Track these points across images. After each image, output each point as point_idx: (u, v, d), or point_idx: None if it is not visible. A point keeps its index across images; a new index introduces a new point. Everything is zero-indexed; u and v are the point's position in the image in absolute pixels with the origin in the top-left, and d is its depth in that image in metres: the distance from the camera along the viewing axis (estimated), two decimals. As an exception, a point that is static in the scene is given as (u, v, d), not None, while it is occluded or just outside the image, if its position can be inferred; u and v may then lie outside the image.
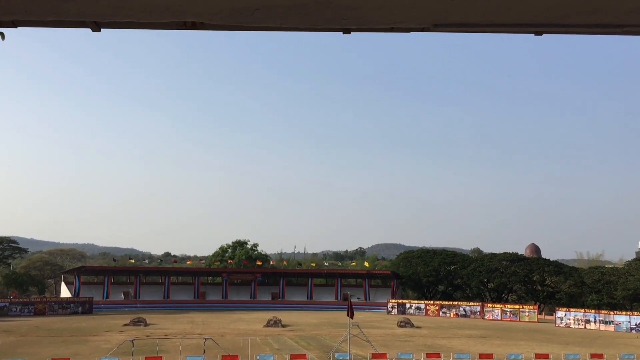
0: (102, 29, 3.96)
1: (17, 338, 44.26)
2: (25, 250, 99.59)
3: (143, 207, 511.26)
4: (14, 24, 3.78)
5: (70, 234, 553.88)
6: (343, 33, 4.11)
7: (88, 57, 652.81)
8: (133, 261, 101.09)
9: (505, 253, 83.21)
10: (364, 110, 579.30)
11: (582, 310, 65.25)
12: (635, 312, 63.01)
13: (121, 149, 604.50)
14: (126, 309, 74.36)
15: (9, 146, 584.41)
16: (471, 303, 75.47)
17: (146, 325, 55.29)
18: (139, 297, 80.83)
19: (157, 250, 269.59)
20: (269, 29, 4.00)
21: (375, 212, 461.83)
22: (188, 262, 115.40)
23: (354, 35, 4.09)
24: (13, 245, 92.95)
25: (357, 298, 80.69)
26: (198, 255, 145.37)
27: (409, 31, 4.06)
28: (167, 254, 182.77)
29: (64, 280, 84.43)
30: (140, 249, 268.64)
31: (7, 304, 67.12)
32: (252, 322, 60.57)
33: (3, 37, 3.83)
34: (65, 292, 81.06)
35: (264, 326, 55.61)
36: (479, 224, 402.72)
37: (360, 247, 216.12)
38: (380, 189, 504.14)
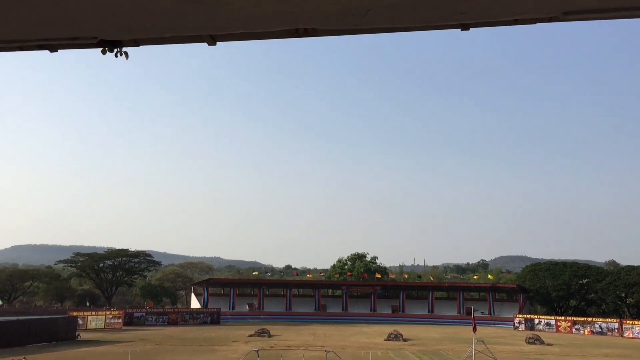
0: (217, 42, 4.02)
1: (153, 346, 47.12)
2: (159, 264, 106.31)
3: (264, 222, 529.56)
4: (136, 43, 3.93)
5: (198, 248, 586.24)
6: (461, 30, 3.86)
7: (206, 69, 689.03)
8: (257, 273, 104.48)
9: (646, 265, 76.42)
10: (481, 113, 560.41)
11: None
12: None
13: (240, 167, 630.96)
14: (251, 320, 76.84)
15: (146, 172, 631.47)
16: (608, 320, 69.93)
17: (270, 336, 56.69)
18: (263, 309, 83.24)
19: (279, 264, 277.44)
20: (381, 31, 3.85)
21: (498, 223, 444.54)
22: (308, 275, 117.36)
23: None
24: (148, 258, 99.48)
25: (481, 312, 77.73)
26: (318, 268, 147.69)
27: (534, 22, 3.73)
28: (288, 267, 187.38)
29: (193, 292, 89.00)
30: (262, 262, 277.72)
31: (144, 314, 71.82)
32: (372, 335, 60.18)
33: (127, 56, 3.99)
34: (195, 303, 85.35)
35: (385, 340, 54.98)
36: (614, 234, 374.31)
37: (482, 260, 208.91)
38: (502, 199, 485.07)
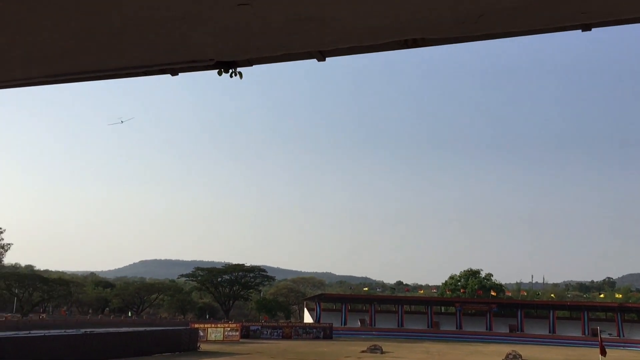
0: (326, 58, 4.07)
1: (268, 359, 48.27)
2: (273, 279, 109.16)
3: (375, 238, 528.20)
4: (249, 63, 4.07)
5: (310, 263, 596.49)
6: (582, 30, 3.63)
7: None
8: (367, 289, 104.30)
9: None
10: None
11: None
12: None
13: (345, 183, 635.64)
14: (362, 336, 76.61)
15: (259, 190, 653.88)
16: None
17: (382, 352, 56.14)
18: (374, 325, 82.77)
19: (389, 280, 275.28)
20: (494, 37, 3.70)
21: (626, 238, 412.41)
22: (420, 291, 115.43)
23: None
24: (263, 273, 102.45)
25: (609, 334, 72.33)
26: (430, 285, 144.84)
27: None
28: (399, 283, 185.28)
29: (306, 307, 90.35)
30: (373, 278, 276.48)
31: (260, 327, 73.88)
32: (489, 355, 57.81)
33: (241, 76, 4.13)
34: (307, 318, 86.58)
35: (503, 360, 52.64)
36: None
37: (608, 277, 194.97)
38: (631, 211, 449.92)
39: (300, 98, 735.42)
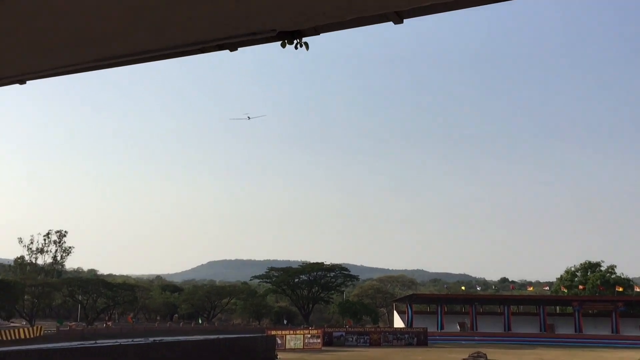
0: (404, 19, 4.00)
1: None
2: (356, 278, 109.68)
3: (473, 229, 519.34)
4: (316, 31, 4.07)
5: (399, 260, 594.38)
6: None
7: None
8: (464, 288, 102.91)
9: None
10: None
11: None
12: None
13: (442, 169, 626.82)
14: (462, 342, 75.66)
15: (335, 176, 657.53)
16: None
17: (487, 360, 55.36)
18: (476, 329, 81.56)
19: (492, 276, 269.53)
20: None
21: None
22: (529, 289, 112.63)
23: None
24: (345, 272, 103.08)
25: None
26: (540, 281, 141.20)
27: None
28: (504, 280, 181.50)
29: (395, 309, 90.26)
30: (473, 275, 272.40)
31: (344, 334, 74.52)
32: (616, 362, 55.80)
33: (307, 47, 4.14)
34: (398, 321, 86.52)
35: (633, 368, 50.65)
36: None
37: None
38: None
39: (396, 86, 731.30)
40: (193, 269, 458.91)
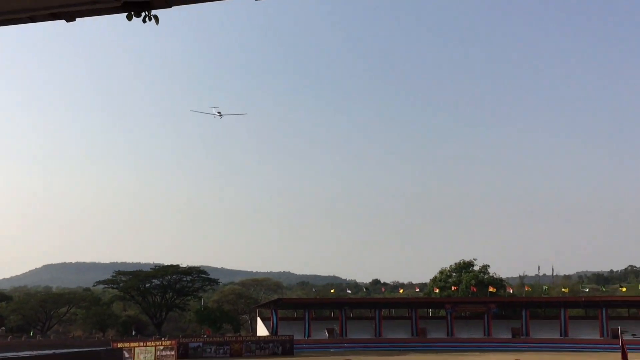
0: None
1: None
2: (216, 282, 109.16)
3: (342, 228, 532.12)
4: (167, 3, 3.97)
5: (264, 262, 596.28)
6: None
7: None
8: (333, 291, 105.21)
9: None
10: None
11: None
12: None
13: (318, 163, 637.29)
14: (332, 350, 77.05)
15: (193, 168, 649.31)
16: None
17: (356, 369, 56.89)
18: (346, 335, 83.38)
19: (363, 278, 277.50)
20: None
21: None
22: (400, 291, 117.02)
23: None
24: (203, 276, 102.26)
25: (633, 335, 74.84)
26: (413, 282, 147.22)
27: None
28: (376, 282, 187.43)
29: (259, 316, 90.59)
30: (343, 277, 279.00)
31: (201, 344, 73.80)
32: (487, 366, 59.25)
33: (157, 21, 4.03)
34: (262, 329, 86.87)
35: (504, 372, 54.05)
36: None
37: (632, 266, 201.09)
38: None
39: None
40: (25, 274, 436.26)
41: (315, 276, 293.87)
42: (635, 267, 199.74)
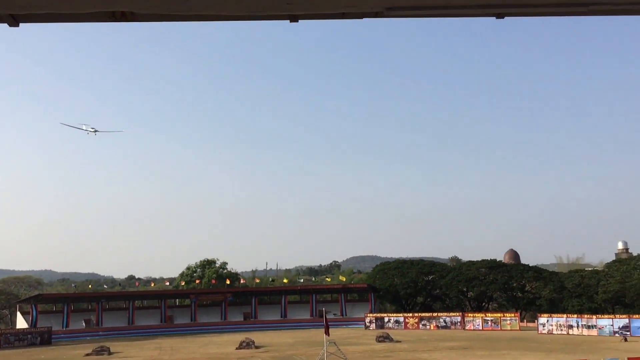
0: (20, 23, 3.70)
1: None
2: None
3: (101, 230, 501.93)
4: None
5: (25, 260, 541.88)
6: (290, 21, 3.93)
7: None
8: (91, 286, 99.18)
9: (483, 260, 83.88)
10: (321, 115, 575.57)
11: (564, 315, 66.09)
12: (618, 315, 64.03)
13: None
14: (88, 338, 72.79)
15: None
16: (451, 314, 75.75)
17: (110, 354, 54.19)
18: (102, 325, 79.19)
19: (121, 274, 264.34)
20: (206, 19, 3.78)
21: (348, 224, 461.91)
22: (152, 285, 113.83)
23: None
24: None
25: (334, 314, 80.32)
26: (164, 277, 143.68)
27: (361, 17, 3.91)
28: (131, 277, 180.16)
29: (19, 310, 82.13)
30: (102, 274, 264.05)
31: (-42, 339, 64.89)
32: (223, 344, 59.77)
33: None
34: (21, 323, 78.87)
35: (237, 348, 54.91)
36: (456, 231, 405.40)
37: (335, 261, 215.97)
38: (351, 200, 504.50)
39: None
40: None
41: (76, 273, 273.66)
42: (337, 262, 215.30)
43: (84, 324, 79.58)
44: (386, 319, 76.55)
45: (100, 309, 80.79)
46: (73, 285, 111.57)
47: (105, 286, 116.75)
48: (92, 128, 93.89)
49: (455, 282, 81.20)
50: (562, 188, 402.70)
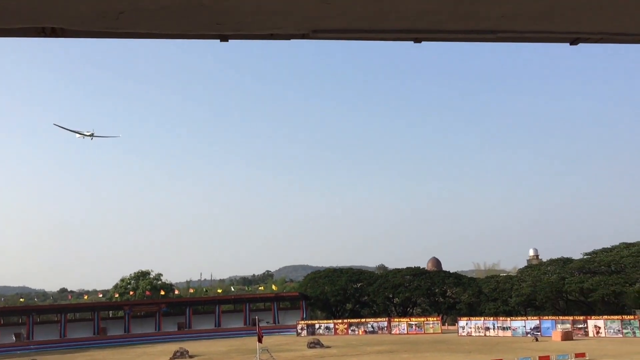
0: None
1: None
2: None
3: (31, 241, 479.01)
4: None
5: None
6: (220, 40, 3.92)
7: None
8: (22, 300, 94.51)
9: (408, 268, 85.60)
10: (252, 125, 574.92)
11: (482, 318, 68.11)
12: (530, 317, 66.67)
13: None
14: (18, 352, 69.13)
15: None
16: (378, 319, 76.67)
17: (40, 367, 51.68)
18: (33, 338, 75.44)
19: (52, 287, 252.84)
20: (137, 36, 3.71)
21: (281, 234, 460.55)
22: (85, 297, 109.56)
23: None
24: None
25: (267, 322, 79.72)
26: (97, 289, 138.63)
27: (289, 38, 3.94)
28: (63, 290, 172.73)
29: (-55, 327, 77.22)
30: (33, 287, 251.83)
31: None
32: (157, 355, 58.15)
33: None
34: (-54, 339, 74.11)
35: (171, 358, 53.59)
36: (383, 240, 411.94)
37: (267, 271, 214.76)
38: (284, 210, 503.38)
39: None
40: None
41: (5, 287, 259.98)
42: (270, 271, 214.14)
43: (14, 337, 75.63)
44: (317, 326, 76.60)
45: (31, 322, 77.01)
46: (2, 299, 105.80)
47: (36, 299, 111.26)
48: (88, 131, 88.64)
49: (382, 289, 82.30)
50: (479, 201, 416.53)
